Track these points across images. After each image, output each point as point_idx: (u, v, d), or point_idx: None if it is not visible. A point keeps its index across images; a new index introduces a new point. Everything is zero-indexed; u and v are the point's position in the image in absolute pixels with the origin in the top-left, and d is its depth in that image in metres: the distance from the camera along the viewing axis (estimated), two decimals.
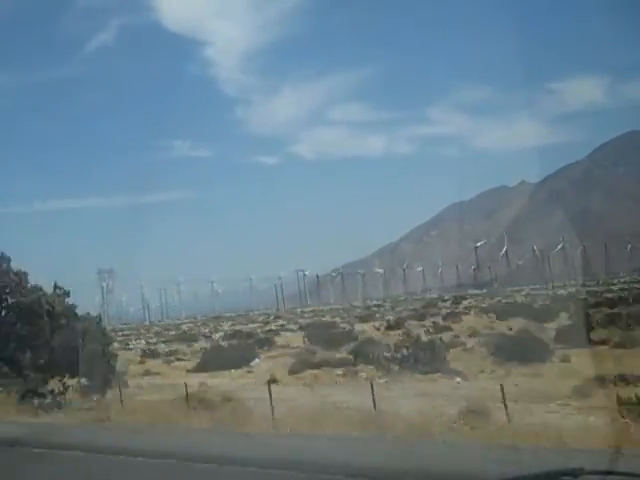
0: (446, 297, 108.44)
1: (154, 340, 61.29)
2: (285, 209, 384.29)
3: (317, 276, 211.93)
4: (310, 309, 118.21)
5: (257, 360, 33.51)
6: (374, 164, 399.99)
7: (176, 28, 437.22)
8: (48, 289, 23.85)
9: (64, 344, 21.69)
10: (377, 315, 70.58)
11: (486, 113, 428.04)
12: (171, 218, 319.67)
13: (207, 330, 69.83)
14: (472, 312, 62.17)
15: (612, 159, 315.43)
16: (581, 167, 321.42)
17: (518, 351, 25.23)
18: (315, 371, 27.55)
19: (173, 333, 69.78)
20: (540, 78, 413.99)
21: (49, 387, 22.01)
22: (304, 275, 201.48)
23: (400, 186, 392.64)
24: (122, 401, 19.39)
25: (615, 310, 38.51)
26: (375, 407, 14.67)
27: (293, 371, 27.89)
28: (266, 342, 42.37)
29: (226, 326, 74.91)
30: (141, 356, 41.71)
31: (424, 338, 31.27)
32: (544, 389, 19.07)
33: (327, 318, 73.17)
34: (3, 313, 23.48)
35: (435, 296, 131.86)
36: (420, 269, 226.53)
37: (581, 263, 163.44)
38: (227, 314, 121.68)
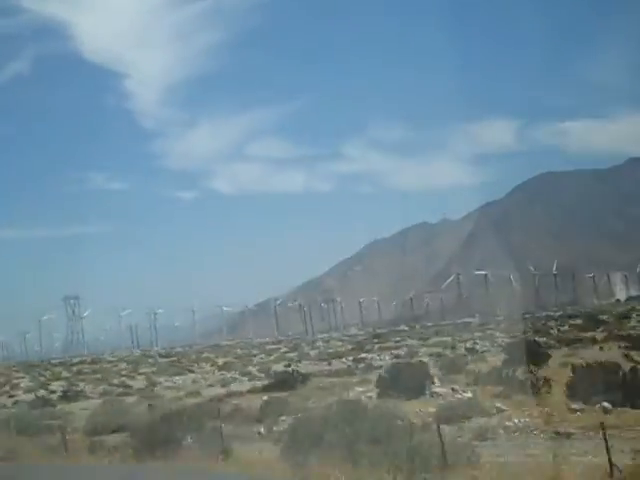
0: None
1: None
2: (204, 244, 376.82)
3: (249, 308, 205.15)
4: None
5: None
6: (293, 200, 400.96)
7: (95, 58, 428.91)
8: None
9: None
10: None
11: (402, 152, 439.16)
12: (84, 252, 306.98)
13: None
14: None
15: (529, 199, 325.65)
16: (500, 206, 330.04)
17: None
18: None
19: None
20: (454, 119, 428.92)
21: None
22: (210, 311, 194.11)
23: (320, 222, 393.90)
24: None
25: None
26: None
27: None
28: None
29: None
30: None
31: None
32: None
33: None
34: None
35: (360, 332, 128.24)
36: (344, 304, 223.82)
37: (510, 297, 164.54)
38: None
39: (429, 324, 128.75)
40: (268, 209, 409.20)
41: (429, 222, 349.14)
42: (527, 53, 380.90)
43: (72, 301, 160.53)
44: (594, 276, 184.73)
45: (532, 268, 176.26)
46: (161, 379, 47.71)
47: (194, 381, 44.52)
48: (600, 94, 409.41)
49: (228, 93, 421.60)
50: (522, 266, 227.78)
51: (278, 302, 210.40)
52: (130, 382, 47.15)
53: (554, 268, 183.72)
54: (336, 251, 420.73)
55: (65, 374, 63.01)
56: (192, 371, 53.02)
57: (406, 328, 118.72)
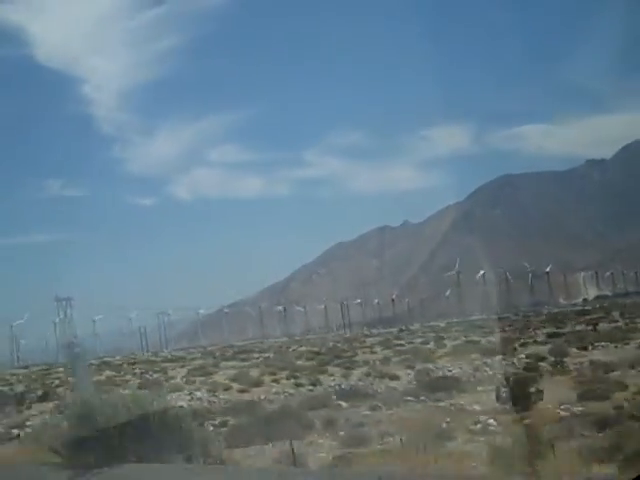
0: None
1: None
2: (163, 250, 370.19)
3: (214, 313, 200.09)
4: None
5: None
6: (253, 205, 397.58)
7: (51, 64, 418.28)
8: None
9: None
10: None
11: (360, 157, 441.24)
12: (43, 261, 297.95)
13: None
14: None
15: (489, 201, 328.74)
16: (461, 209, 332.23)
17: None
18: None
19: None
20: (411, 124, 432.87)
21: None
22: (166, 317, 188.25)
23: (281, 226, 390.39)
24: None
25: None
26: None
27: None
28: None
29: None
30: None
31: None
32: None
33: None
34: None
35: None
36: (309, 308, 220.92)
37: (479, 298, 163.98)
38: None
39: (394, 328, 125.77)
40: (228, 214, 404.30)
41: (390, 225, 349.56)
42: (481, 58, 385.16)
43: (64, 302, 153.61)
44: (563, 276, 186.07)
45: (502, 269, 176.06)
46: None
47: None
48: (553, 99, 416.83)
49: (187, 99, 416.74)
50: (486, 267, 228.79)
51: (226, 309, 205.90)
52: None
53: (528, 268, 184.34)
54: (299, 255, 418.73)
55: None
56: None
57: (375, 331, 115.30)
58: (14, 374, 72.11)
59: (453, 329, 74.38)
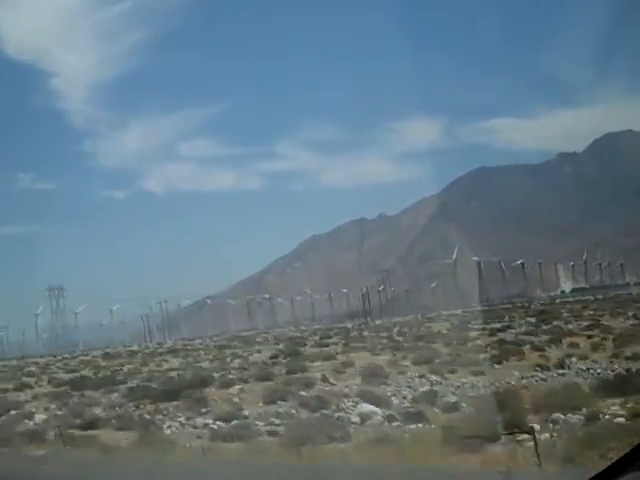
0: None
1: None
2: (137, 244, 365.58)
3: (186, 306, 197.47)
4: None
5: None
6: (225, 198, 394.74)
7: (20, 57, 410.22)
8: None
9: None
10: None
11: (333, 150, 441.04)
12: (15, 254, 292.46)
13: None
14: None
15: (464, 194, 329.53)
16: (436, 201, 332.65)
17: None
18: None
19: None
20: (382, 118, 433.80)
21: None
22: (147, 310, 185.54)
23: (254, 219, 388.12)
24: None
25: None
26: None
27: None
28: None
29: None
30: None
31: None
32: None
33: None
34: None
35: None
36: (284, 301, 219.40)
37: (457, 291, 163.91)
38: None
39: (377, 321, 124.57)
40: (201, 208, 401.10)
41: (366, 218, 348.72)
42: (450, 53, 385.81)
43: (56, 292, 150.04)
44: (540, 268, 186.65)
45: (478, 261, 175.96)
46: None
47: None
48: (522, 92, 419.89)
49: (158, 92, 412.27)
50: (463, 259, 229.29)
51: (208, 301, 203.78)
52: None
53: (504, 261, 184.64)
54: (274, 248, 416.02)
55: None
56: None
57: (349, 325, 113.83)
58: None
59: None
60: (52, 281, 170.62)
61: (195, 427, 21.48)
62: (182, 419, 22.74)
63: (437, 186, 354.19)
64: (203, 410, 23.49)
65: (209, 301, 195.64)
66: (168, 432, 20.61)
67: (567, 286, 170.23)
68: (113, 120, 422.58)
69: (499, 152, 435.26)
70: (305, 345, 55.63)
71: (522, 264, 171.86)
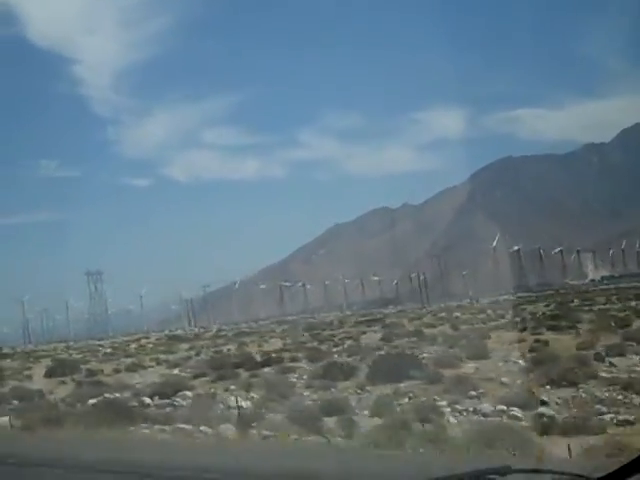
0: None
1: None
2: (161, 232, 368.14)
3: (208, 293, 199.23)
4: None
5: None
6: (249, 186, 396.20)
7: (44, 43, 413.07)
8: None
9: None
10: None
11: (356, 139, 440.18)
12: (32, 242, 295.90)
13: None
14: None
15: (489, 183, 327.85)
16: (461, 191, 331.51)
17: None
18: None
19: None
20: (406, 107, 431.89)
21: None
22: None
23: (277, 208, 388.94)
24: None
25: None
26: None
27: None
28: None
29: None
30: None
31: None
32: None
33: None
34: None
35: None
36: (310, 288, 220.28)
37: (485, 279, 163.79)
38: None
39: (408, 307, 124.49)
40: (224, 196, 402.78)
41: (390, 207, 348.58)
42: (475, 42, 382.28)
43: (95, 276, 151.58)
44: (568, 257, 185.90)
45: (506, 250, 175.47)
46: None
47: None
48: (548, 82, 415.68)
49: (182, 80, 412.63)
50: (489, 249, 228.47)
51: (236, 285, 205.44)
52: None
53: (532, 249, 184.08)
54: (297, 236, 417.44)
55: None
56: None
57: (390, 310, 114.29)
58: None
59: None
60: (82, 267, 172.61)
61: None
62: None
63: (462, 176, 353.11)
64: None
65: (236, 286, 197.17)
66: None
67: (596, 274, 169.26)
68: (137, 107, 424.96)
69: (524, 142, 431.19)
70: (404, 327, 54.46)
71: (561, 251, 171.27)
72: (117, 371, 37.37)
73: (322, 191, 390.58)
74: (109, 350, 62.62)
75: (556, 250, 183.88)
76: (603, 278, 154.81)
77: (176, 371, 34.32)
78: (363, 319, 79.51)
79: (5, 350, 79.70)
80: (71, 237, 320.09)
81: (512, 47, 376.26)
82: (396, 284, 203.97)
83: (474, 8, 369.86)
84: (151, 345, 65.05)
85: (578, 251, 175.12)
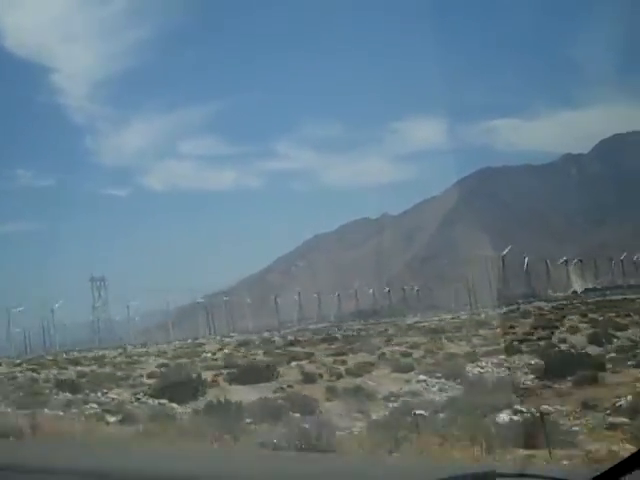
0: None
1: None
2: (137, 241, 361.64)
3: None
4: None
5: None
6: (226, 196, 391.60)
7: (21, 52, 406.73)
8: None
9: None
10: None
11: (334, 149, 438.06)
12: (16, 252, 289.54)
13: None
14: None
15: (469, 194, 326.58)
16: (440, 201, 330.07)
17: None
18: None
19: None
20: (384, 118, 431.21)
21: None
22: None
23: (254, 218, 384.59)
24: None
25: None
26: None
27: None
28: None
29: None
30: None
31: None
32: None
33: None
34: None
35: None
36: (289, 300, 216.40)
37: (465, 291, 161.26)
38: None
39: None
40: (201, 206, 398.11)
41: (370, 217, 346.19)
42: (452, 53, 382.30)
43: (98, 283, 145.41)
44: (551, 268, 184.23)
45: (487, 261, 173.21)
46: None
47: None
48: (525, 93, 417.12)
49: (159, 89, 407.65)
50: (469, 259, 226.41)
51: (224, 297, 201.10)
52: None
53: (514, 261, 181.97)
54: (275, 247, 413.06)
55: None
56: None
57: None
58: None
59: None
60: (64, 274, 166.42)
61: None
62: None
63: (441, 186, 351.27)
64: None
65: (224, 297, 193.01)
66: None
67: (578, 286, 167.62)
68: (114, 116, 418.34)
69: (502, 153, 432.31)
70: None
71: (545, 262, 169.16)
72: None
73: (301, 201, 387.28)
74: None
75: (540, 261, 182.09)
76: (587, 290, 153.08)
77: None
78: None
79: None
80: (48, 246, 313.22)
81: (488, 58, 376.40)
82: (375, 295, 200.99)
83: (451, 19, 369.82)
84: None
85: (562, 262, 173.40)
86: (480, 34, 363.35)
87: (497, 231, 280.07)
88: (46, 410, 26.43)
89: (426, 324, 76.62)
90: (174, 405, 28.63)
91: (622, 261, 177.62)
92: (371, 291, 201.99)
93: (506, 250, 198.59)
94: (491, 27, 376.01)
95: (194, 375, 37.16)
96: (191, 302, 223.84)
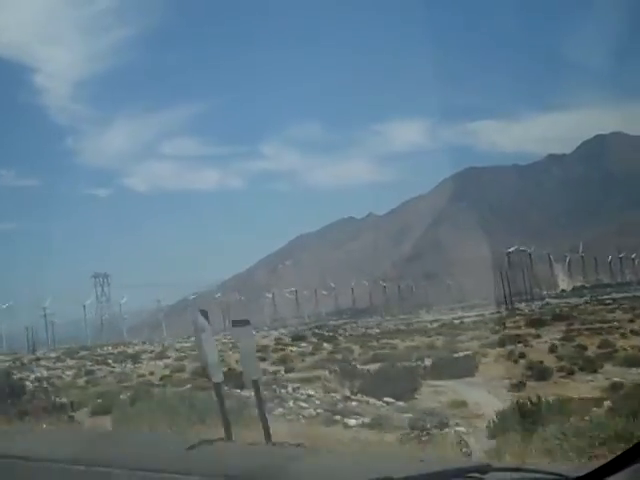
0: None
1: None
2: (120, 242, 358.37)
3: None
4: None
5: None
6: (208, 197, 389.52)
7: (1, 51, 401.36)
8: None
9: None
10: None
11: (317, 150, 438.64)
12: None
13: None
14: None
15: (453, 194, 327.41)
16: (425, 201, 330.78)
17: None
18: None
19: None
20: (365, 119, 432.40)
21: None
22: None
23: (240, 219, 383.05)
24: None
25: None
26: None
27: None
28: None
29: None
30: None
31: None
32: None
33: None
34: None
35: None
36: (277, 299, 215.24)
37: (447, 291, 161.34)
38: None
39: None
40: (184, 206, 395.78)
41: (355, 217, 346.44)
42: (434, 55, 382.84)
43: (102, 279, 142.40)
44: (538, 266, 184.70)
45: (474, 260, 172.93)
46: None
47: None
48: (507, 95, 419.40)
49: (142, 90, 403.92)
50: (455, 258, 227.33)
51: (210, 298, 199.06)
52: None
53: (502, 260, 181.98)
54: (260, 247, 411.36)
55: None
56: None
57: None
58: None
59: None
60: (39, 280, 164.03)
61: None
62: None
63: (426, 186, 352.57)
64: None
65: (217, 295, 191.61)
66: None
67: (566, 285, 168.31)
68: (96, 117, 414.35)
69: (487, 154, 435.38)
70: None
71: (530, 260, 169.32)
72: None
73: (285, 202, 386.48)
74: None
75: (526, 259, 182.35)
76: (574, 289, 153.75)
77: None
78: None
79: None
80: (30, 246, 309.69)
81: (472, 60, 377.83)
82: (356, 295, 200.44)
83: (434, 20, 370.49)
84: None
85: (549, 260, 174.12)
86: (464, 35, 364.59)
87: (483, 230, 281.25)
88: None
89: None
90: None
91: (609, 260, 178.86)
92: (357, 290, 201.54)
93: (485, 255, 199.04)
94: (475, 28, 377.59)
95: None
96: (177, 301, 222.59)
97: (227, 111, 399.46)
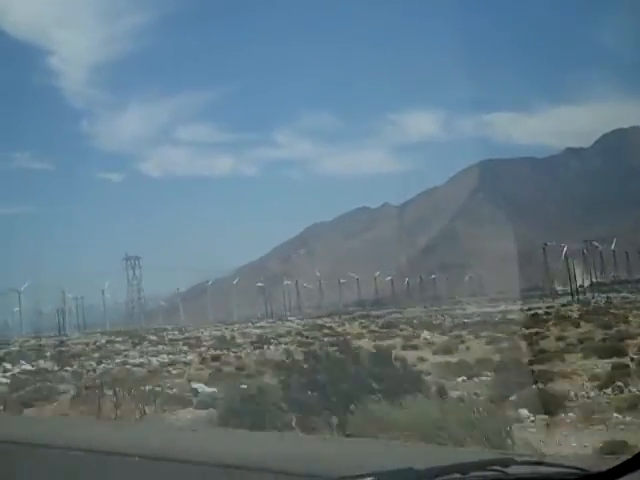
0: None
1: None
2: (133, 227, 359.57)
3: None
4: None
5: None
6: (222, 184, 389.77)
7: (18, 34, 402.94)
8: None
9: None
10: None
11: (332, 140, 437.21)
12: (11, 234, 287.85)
13: None
14: None
15: (470, 186, 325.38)
16: (441, 193, 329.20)
17: None
18: None
19: None
20: (381, 109, 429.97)
21: None
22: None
23: (253, 206, 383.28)
24: None
25: None
26: None
27: None
28: None
29: None
30: None
31: None
32: None
33: None
34: None
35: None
36: (291, 287, 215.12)
37: (466, 283, 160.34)
38: None
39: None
40: (198, 193, 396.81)
41: (370, 207, 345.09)
42: (451, 45, 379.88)
43: (133, 261, 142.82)
44: (554, 261, 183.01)
45: (501, 250, 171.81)
46: None
47: None
48: (525, 88, 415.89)
49: (157, 75, 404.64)
50: (471, 250, 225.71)
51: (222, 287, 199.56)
52: None
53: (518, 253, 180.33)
54: (274, 235, 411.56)
55: None
56: None
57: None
58: None
59: None
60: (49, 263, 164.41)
61: None
62: None
63: (442, 177, 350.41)
64: None
65: (234, 282, 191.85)
66: None
67: (584, 280, 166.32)
68: (111, 101, 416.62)
69: (504, 146, 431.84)
70: None
71: (545, 254, 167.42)
72: None
73: (300, 190, 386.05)
74: None
75: (542, 252, 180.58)
76: (592, 284, 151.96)
77: None
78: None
79: None
80: (45, 229, 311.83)
81: (489, 52, 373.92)
82: (376, 285, 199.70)
83: (452, 13, 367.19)
84: None
85: (566, 255, 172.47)
86: (482, 28, 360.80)
87: (499, 223, 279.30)
88: None
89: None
90: None
91: (627, 255, 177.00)
92: (371, 280, 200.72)
93: (501, 247, 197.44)
94: (492, 21, 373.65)
95: None
96: (191, 286, 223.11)
97: (241, 98, 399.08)
